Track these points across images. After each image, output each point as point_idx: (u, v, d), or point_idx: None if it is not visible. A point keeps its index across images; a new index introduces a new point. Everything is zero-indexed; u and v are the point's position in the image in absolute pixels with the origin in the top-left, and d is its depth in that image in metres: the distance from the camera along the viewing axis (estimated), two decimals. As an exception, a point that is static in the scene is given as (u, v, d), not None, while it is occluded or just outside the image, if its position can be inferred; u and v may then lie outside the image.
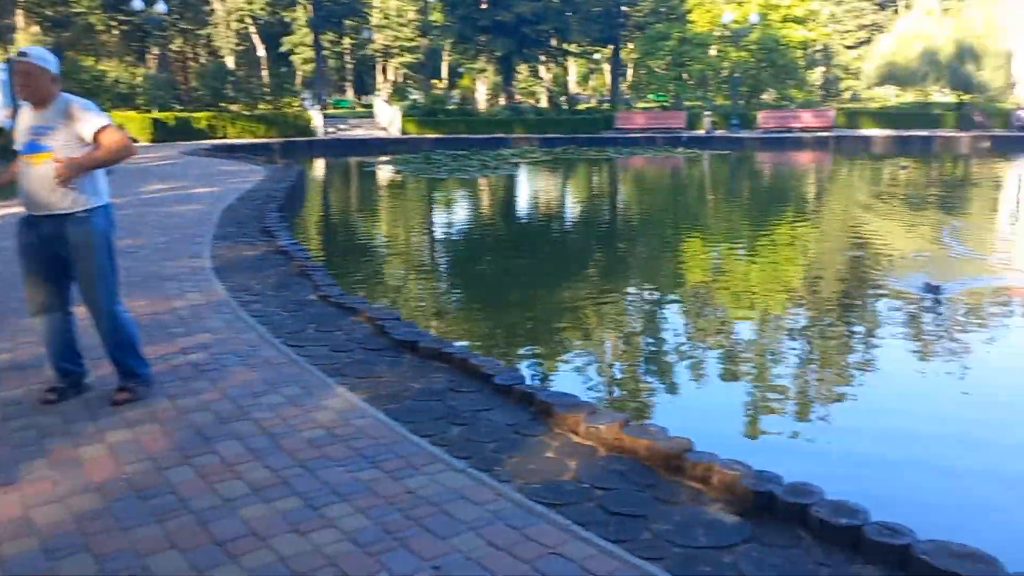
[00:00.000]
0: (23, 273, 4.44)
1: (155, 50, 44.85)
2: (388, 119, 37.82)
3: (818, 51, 48.61)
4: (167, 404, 4.45)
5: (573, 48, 48.84)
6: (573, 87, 60.39)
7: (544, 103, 51.98)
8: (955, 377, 6.50)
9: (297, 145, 31.61)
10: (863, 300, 9.28)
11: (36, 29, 38.23)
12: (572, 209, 19.07)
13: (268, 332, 5.85)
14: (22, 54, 4.23)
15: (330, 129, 36.37)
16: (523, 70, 55.25)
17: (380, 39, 58.17)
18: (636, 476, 3.68)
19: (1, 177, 4.49)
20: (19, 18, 39.57)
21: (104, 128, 4.21)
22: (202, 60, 51.63)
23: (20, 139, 4.27)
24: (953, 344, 7.30)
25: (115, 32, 43.04)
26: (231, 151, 26.64)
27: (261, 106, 36.32)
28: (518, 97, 53.46)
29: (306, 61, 55.83)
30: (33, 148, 4.20)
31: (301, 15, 52.14)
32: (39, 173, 4.18)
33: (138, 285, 7.23)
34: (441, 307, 9.19)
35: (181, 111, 34.26)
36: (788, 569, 2.94)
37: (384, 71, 63.33)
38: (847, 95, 49.49)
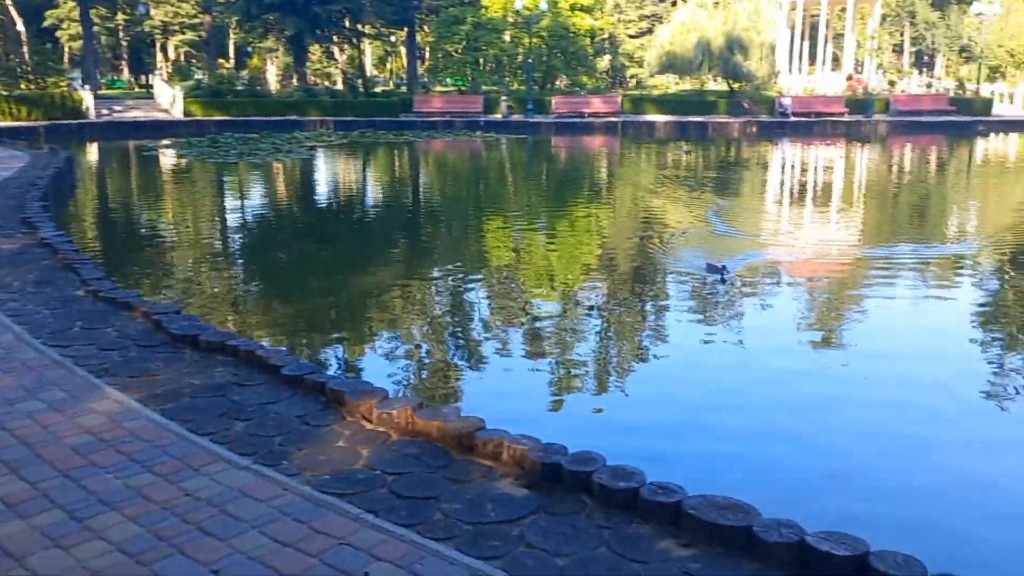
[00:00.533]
0: None
1: None
2: (169, 100, 35.50)
3: (605, 39, 50.74)
4: (-100, 420, 3.93)
5: (367, 29, 48.02)
6: (370, 69, 59.46)
7: (340, 85, 50.81)
8: (734, 348, 7.00)
9: (66, 128, 28.98)
10: (650, 279, 9.81)
11: None
12: (372, 193, 18.81)
13: (27, 332, 5.32)
14: None
15: (104, 111, 33.64)
16: (316, 51, 53.73)
17: (158, 15, 54.36)
18: (429, 458, 3.68)
19: None
20: None
21: None
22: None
23: None
24: (729, 318, 7.86)
25: None
26: (-14, 134, 23.98)
27: (22, 86, 32.93)
28: (312, 79, 51.95)
29: (74, 37, 51.14)
30: None
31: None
32: None
33: None
34: (233, 299, 8.75)
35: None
36: (572, 535, 3.04)
37: (164, 49, 59.34)
38: (633, 82, 52.09)
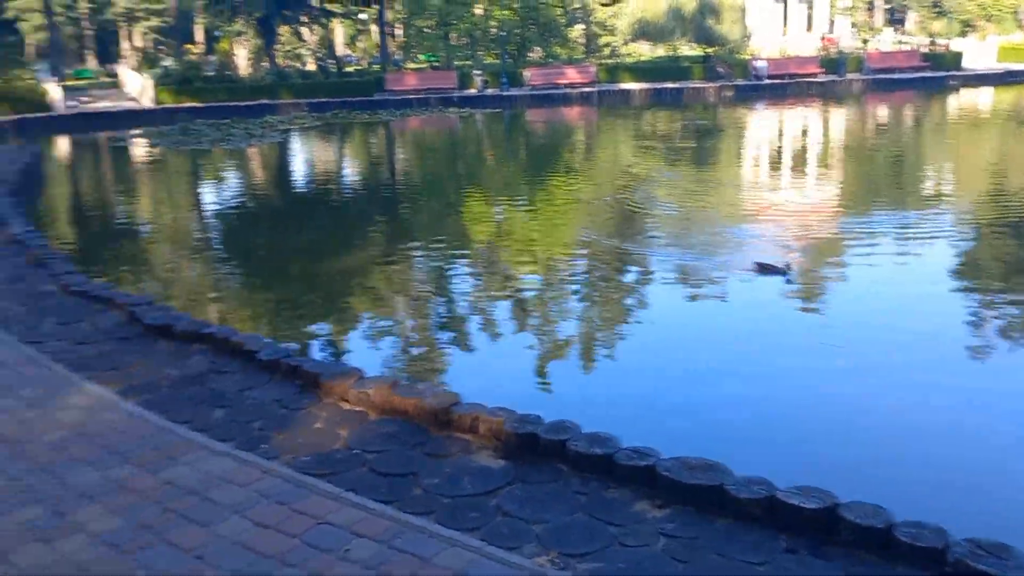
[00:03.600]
0: None
1: None
2: (138, 89, 35.01)
3: (577, 9, 50.42)
4: None
5: (336, 8, 47.48)
6: (341, 49, 58.79)
7: (311, 66, 50.25)
8: (709, 321, 7.05)
9: (33, 122, 28.54)
10: (630, 254, 9.81)
11: None
12: (348, 175, 18.71)
13: (0, 330, 5.29)
14: None
15: (71, 103, 33.12)
16: (286, 32, 53.03)
17: (122, 2, 53.50)
18: (407, 436, 3.72)
19: None
20: None
21: None
22: (-93, 29, 45.05)
23: None
24: (710, 292, 7.87)
25: None
26: (-46, 132, 23.61)
27: (-12, 80, 32.37)
28: (283, 61, 51.33)
29: (37, 29, 50.27)
30: None
31: (25, -23, 46.76)
32: None
33: None
34: (211, 288, 8.72)
35: None
36: (549, 503, 3.10)
37: (130, 37, 58.41)
38: (607, 51, 51.85)
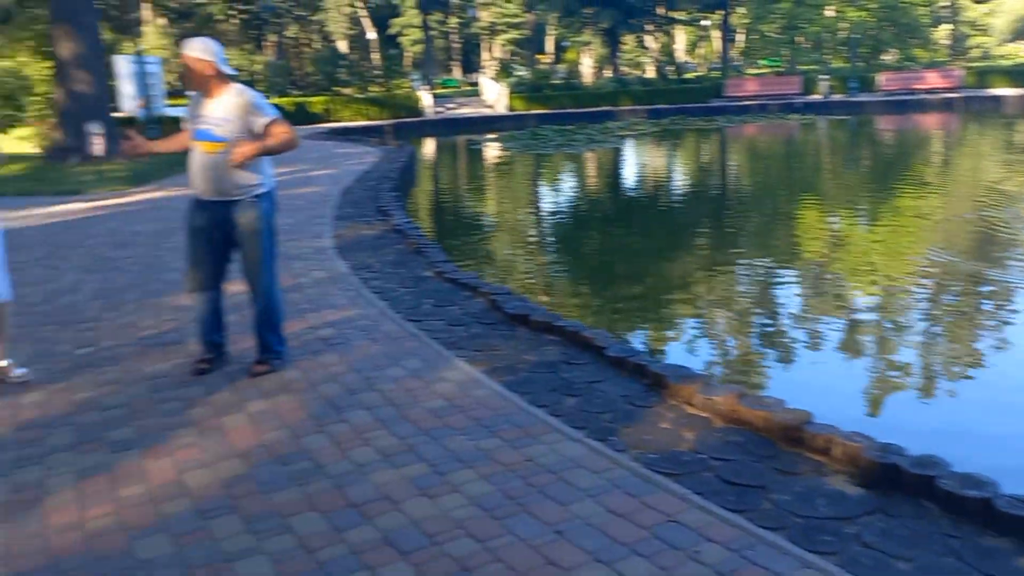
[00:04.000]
0: (189, 252, 4.73)
1: (272, 37, 46.49)
2: (494, 96, 38.05)
3: (944, 7, 45.80)
4: (299, 376, 4.71)
5: (680, 16, 47.72)
6: (681, 56, 59.03)
7: (651, 73, 51.04)
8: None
9: (407, 126, 32.25)
10: (990, 279, 8.80)
11: (162, 21, 40.22)
12: (681, 181, 18.78)
13: (388, 308, 6.08)
14: (184, 47, 4.53)
15: (438, 109, 36.92)
16: (629, 41, 54.41)
17: (486, 16, 58.42)
18: (754, 447, 3.68)
19: (130, 148, 4.78)
20: (146, 12, 41.72)
21: (274, 121, 4.46)
22: (316, 45, 53.18)
23: (193, 126, 4.55)
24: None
25: (234, 21, 44.83)
26: (345, 134, 27.45)
27: (372, 89, 37.21)
28: (624, 69, 52.71)
29: (414, 42, 56.72)
30: (206, 136, 4.47)
31: (408, -4, 52.90)
32: (213, 161, 4.45)
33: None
34: (550, 281, 9.29)
35: (298, 96, 35.49)
36: (915, 540, 2.90)
37: (490, 49, 63.59)
38: (976, 53, 46.50)
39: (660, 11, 44.85)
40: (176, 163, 16.33)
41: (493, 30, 60.98)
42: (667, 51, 56.88)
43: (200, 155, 4.52)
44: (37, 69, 22.77)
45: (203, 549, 2.99)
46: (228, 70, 4.54)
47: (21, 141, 21.74)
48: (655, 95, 36.79)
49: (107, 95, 19.79)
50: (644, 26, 47.40)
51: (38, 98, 22.07)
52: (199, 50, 4.43)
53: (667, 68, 46.98)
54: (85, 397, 4.51)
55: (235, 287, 5.08)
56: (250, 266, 4.67)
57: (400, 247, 8.41)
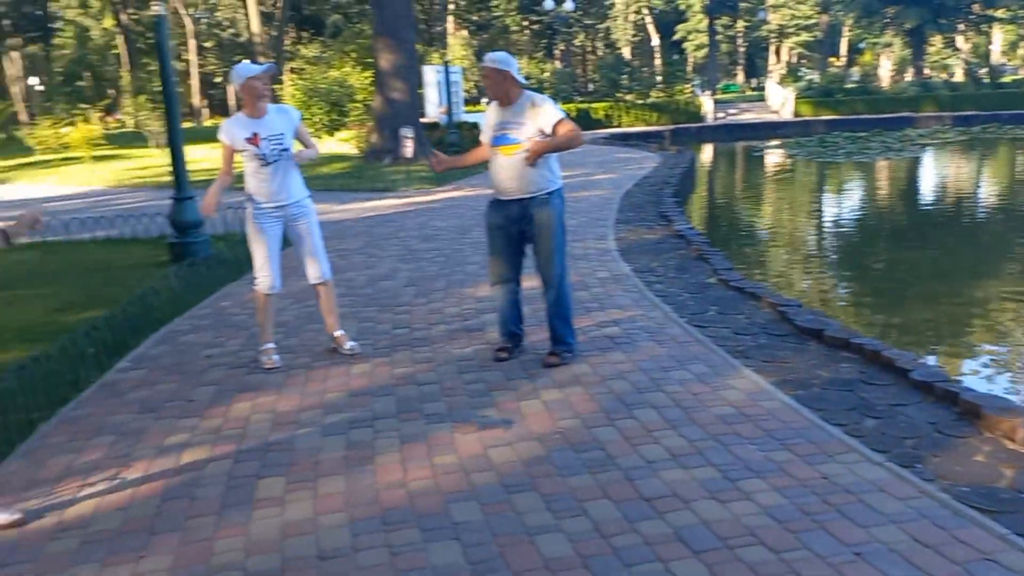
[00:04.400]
0: (489, 248, 5.19)
1: (561, 46, 48.23)
2: (779, 102, 36.64)
3: None
4: (589, 370, 4.93)
5: (1000, 14, 42.86)
6: (997, 57, 53.01)
7: (959, 77, 46.37)
8: None
9: (686, 131, 32.05)
10: None
11: (464, 33, 43.24)
12: (990, 195, 16.93)
13: (672, 311, 6.15)
14: (485, 60, 4.98)
15: (719, 114, 36.26)
16: (936, 41, 49.81)
17: (775, 19, 56.36)
18: (1089, 495, 3.30)
19: (437, 164, 5.26)
20: (449, 24, 45.09)
21: (561, 120, 4.83)
22: (600, 53, 54.40)
23: (490, 133, 4.99)
24: None
25: (527, 32, 47.09)
26: (625, 139, 27.87)
27: (654, 94, 37.34)
28: (928, 71, 48.35)
29: (698, 47, 56.08)
30: (504, 140, 4.90)
31: (696, 1, 52.40)
32: (510, 162, 4.88)
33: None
34: (835, 296, 8.84)
35: (581, 102, 36.55)
36: None
37: (777, 52, 61.25)
38: None
39: (976, 9, 40.62)
40: (474, 166, 17.56)
41: (782, 33, 58.65)
42: (981, 52, 51.37)
43: (499, 159, 4.94)
44: (359, 78, 25.50)
45: (507, 520, 3.26)
46: (521, 79, 4.91)
47: (343, 142, 24.48)
48: (963, 100, 33.44)
49: (417, 102, 21.68)
50: (956, 25, 43.17)
51: (358, 104, 24.70)
52: (497, 62, 4.84)
53: (980, 71, 42.40)
54: (403, 372, 5.05)
55: (528, 283, 5.41)
56: (543, 259, 5.02)
57: (682, 252, 8.44)
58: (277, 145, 4.96)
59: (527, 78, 36.50)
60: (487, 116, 5.09)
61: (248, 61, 5.54)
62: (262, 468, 3.80)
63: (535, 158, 4.75)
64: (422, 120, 23.79)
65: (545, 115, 4.81)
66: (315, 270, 5.30)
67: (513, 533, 3.16)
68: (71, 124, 27.12)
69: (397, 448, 3.96)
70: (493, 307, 6.35)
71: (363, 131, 22.51)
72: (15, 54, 59.83)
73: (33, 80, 58.23)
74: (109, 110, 41.77)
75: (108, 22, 57.50)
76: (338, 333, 5.45)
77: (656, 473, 3.59)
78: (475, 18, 44.90)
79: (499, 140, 4.92)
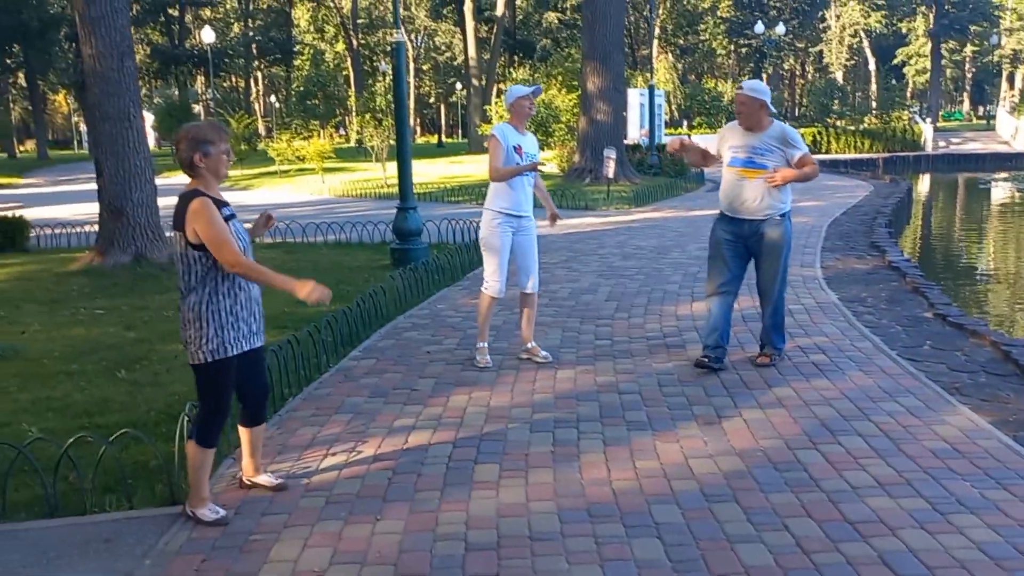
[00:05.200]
0: (711, 261, 5.51)
1: (768, 69, 47.03)
2: (1010, 132, 33.80)
3: None
4: (792, 394, 4.94)
5: None
6: None
7: None
8: None
9: (902, 160, 30.29)
10: None
11: (668, 57, 43.21)
12: None
13: (882, 342, 5.99)
14: (739, 87, 5.32)
15: (940, 143, 33.93)
16: None
17: (1010, 44, 51.92)
18: None
19: (676, 146, 5.51)
20: (655, 48, 45.17)
21: (805, 155, 5.22)
22: (811, 76, 52.45)
23: (733, 155, 5.30)
24: None
25: (733, 56, 46.31)
26: (834, 166, 26.76)
27: (867, 120, 35.57)
28: None
29: (919, 72, 52.70)
30: (750, 164, 5.23)
31: (920, 24, 49.36)
32: (752, 184, 5.22)
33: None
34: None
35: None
36: None
37: (1010, 79, 56.39)
38: None
39: None
40: (672, 187, 17.61)
41: (1016, 58, 53.91)
42: None
43: (737, 179, 5.26)
44: (564, 100, 26.20)
45: (708, 526, 3.40)
46: (772, 108, 5.24)
47: (547, 161, 25.22)
48: None
49: (621, 124, 22.02)
50: None
51: (562, 126, 25.38)
52: (755, 91, 5.17)
53: None
54: (605, 380, 5.29)
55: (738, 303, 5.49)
56: (768, 276, 5.38)
57: (895, 284, 8.12)
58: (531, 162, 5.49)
59: (731, 102, 35.92)
60: (725, 135, 5.42)
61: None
62: (478, 455, 4.16)
63: (781, 184, 5.13)
64: (625, 142, 24.07)
65: (791, 147, 5.17)
66: (531, 280, 5.66)
67: (714, 539, 3.30)
68: (305, 138, 29.73)
69: (601, 449, 4.19)
70: (693, 325, 6.49)
71: (566, 151, 23.10)
72: (260, 75, 66.29)
73: (273, 98, 64.24)
74: (337, 127, 45.30)
75: (340, 46, 62.46)
76: (532, 344, 5.79)
77: (861, 498, 3.60)
78: (680, 42, 44.74)
79: (744, 162, 5.23)
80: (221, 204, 3.44)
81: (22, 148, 61.96)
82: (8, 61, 48.13)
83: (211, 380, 3.46)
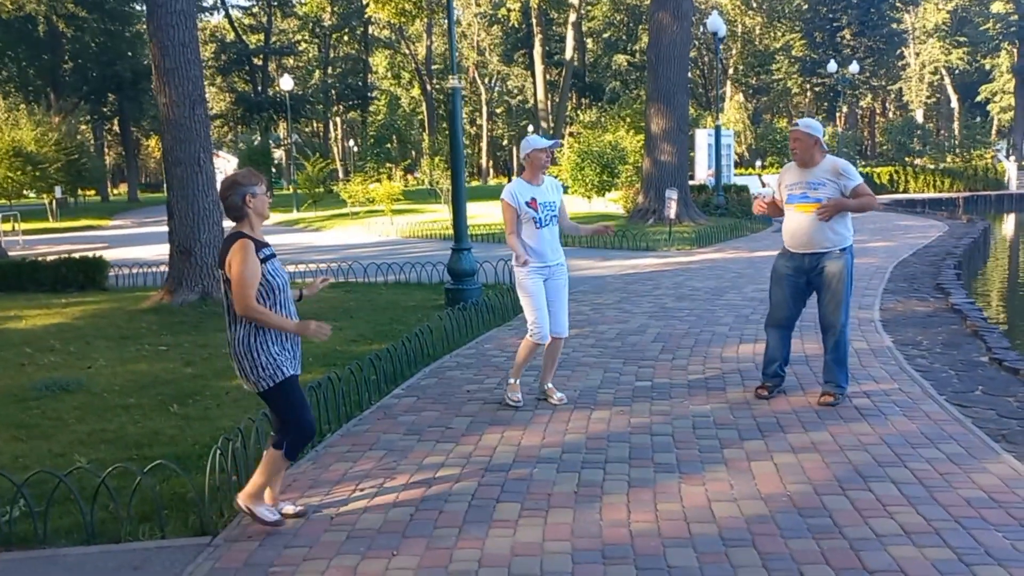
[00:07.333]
0: (772, 294, 5.69)
1: (844, 108, 46.25)
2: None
3: None
4: (828, 439, 4.85)
5: None
6: None
7: None
8: None
9: (984, 199, 29.30)
10: None
11: (740, 97, 42.95)
12: None
13: (931, 387, 5.83)
14: (794, 124, 5.48)
15: (1029, 181, 32.71)
16: None
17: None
18: None
19: (758, 207, 5.81)
20: (727, 88, 44.99)
21: (859, 185, 5.29)
22: (889, 115, 51.34)
23: (789, 192, 5.44)
24: None
25: (808, 94, 45.74)
26: (910, 205, 26.07)
27: (948, 159, 34.59)
28: None
29: (1004, 110, 51.01)
30: (804, 199, 5.35)
31: (1004, 60, 47.92)
32: (807, 219, 5.33)
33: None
34: None
35: (864, 166, 34.72)
36: None
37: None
38: None
39: None
40: (736, 228, 17.43)
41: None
42: None
43: (796, 215, 5.39)
44: (630, 142, 26.31)
45: (720, 570, 3.37)
46: (825, 145, 5.40)
47: (612, 203, 25.34)
48: None
49: (686, 165, 21.97)
50: None
51: (628, 167, 25.46)
52: (810, 128, 5.33)
53: None
54: (639, 422, 5.28)
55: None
56: (829, 309, 5.44)
57: (955, 327, 7.88)
58: (549, 211, 5.54)
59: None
60: (783, 175, 5.57)
61: (537, 134, 6.31)
62: (502, 493, 4.21)
63: (830, 213, 5.20)
64: (691, 182, 23.96)
65: (845, 179, 5.24)
66: (561, 324, 5.71)
67: (724, 583, 3.27)
68: (378, 181, 30.51)
69: (624, 491, 4.20)
70: (737, 368, 6.45)
71: (631, 192, 23.14)
72: (339, 119, 68.42)
73: (351, 142, 66.19)
74: (409, 169, 46.38)
75: (415, 91, 64.11)
76: (549, 386, 5.82)
77: (884, 547, 3.51)
78: (753, 82, 44.44)
79: (800, 198, 5.36)
80: (261, 245, 3.69)
81: (115, 191, 65.11)
82: (104, 109, 51.09)
83: (285, 399, 3.76)
